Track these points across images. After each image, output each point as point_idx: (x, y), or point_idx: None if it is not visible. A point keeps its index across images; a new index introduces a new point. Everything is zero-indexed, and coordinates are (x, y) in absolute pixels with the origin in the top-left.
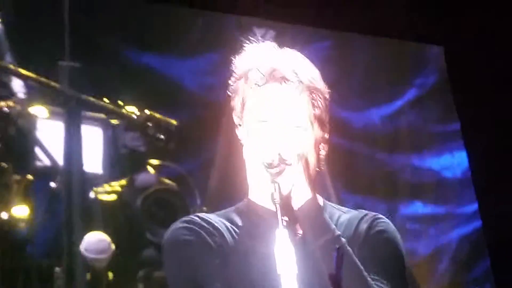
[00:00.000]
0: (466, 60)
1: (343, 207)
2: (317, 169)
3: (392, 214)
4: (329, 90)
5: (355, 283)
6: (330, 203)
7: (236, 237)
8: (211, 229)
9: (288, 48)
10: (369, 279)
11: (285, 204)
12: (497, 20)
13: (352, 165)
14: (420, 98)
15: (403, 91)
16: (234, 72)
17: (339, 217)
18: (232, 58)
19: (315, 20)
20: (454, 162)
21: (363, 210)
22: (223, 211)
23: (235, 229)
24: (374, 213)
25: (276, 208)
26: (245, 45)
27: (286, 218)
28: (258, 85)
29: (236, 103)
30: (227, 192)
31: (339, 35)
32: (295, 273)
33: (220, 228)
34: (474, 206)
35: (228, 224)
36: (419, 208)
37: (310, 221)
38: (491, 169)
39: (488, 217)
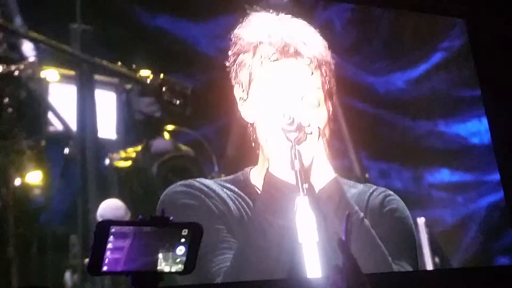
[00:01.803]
0: (488, 32)
1: (349, 181)
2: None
3: (418, 181)
4: (350, 54)
5: (376, 259)
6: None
7: (242, 209)
8: (213, 194)
9: (294, 17)
10: (389, 257)
11: (306, 173)
12: None
13: (376, 131)
14: (446, 62)
15: (428, 54)
16: (240, 45)
17: (348, 190)
18: (236, 28)
19: None
20: (481, 128)
21: (370, 184)
22: (220, 179)
23: (240, 201)
24: (383, 188)
25: (296, 175)
26: (248, 15)
27: (306, 186)
28: (270, 60)
29: (241, 76)
30: (245, 158)
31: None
32: (316, 241)
33: (223, 196)
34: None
35: (230, 194)
36: (446, 175)
37: (334, 203)
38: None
39: (510, 186)
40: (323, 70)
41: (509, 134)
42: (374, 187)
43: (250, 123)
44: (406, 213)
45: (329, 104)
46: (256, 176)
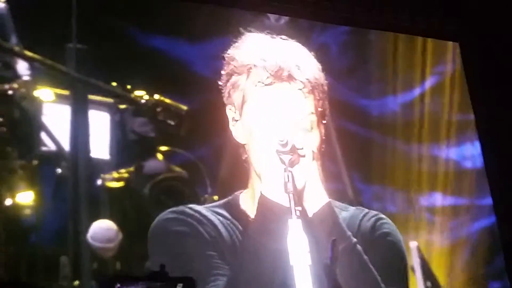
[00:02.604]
0: (481, 55)
1: (341, 204)
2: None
3: (411, 205)
4: (345, 77)
5: (368, 284)
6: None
7: (233, 235)
8: (204, 220)
9: (288, 39)
10: (382, 283)
11: (299, 196)
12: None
13: (369, 154)
14: (439, 85)
15: (422, 78)
16: (233, 66)
17: (339, 213)
18: (230, 48)
19: (326, 17)
20: (474, 152)
21: (362, 208)
22: (210, 205)
23: (232, 226)
24: (375, 212)
25: (289, 197)
26: (242, 35)
27: (299, 208)
28: (263, 84)
29: (234, 98)
30: (239, 180)
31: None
32: (308, 264)
33: (215, 222)
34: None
35: (222, 219)
36: (438, 199)
37: (327, 228)
38: (504, 163)
39: (502, 212)
40: (316, 94)
41: (502, 158)
42: (366, 210)
43: (242, 144)
44: (398, 237)
45: (322, 127)
46: (246, 201)
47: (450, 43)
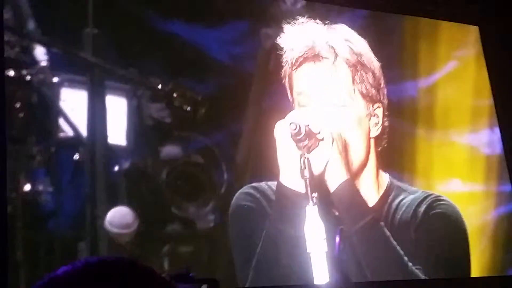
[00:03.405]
0: (502, 40)
1: (411, 187)
2: (365, 147)
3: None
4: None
5: (394, 267)
6: (398, 183)
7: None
8: (271, 197)
9: (333, 24)
10: (409, 263)
11: (317, 181)
12: None
13: (388, 139)
14: (459, 70)
15: (441, 63)
16: (280, 55)
17: (403, 198)
18: (279, 38)
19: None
20: (494, 138)
21: (428, 191)
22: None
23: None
24: (437, 194)
25: (305, 184)
26: (287, 26)
27: (315, 195)
28: (295, 66)
29: (287, 87)
30: (256, 166)
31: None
32: (325, 251)
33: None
34: None
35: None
36: (457, 185)
37: (345, 205)
38: None
39: None
40: (355, 70)
41: None
42: (430, 193)
43: None
44: (455, 216)
45: (362, 104)
46: None
47: (470, 27)
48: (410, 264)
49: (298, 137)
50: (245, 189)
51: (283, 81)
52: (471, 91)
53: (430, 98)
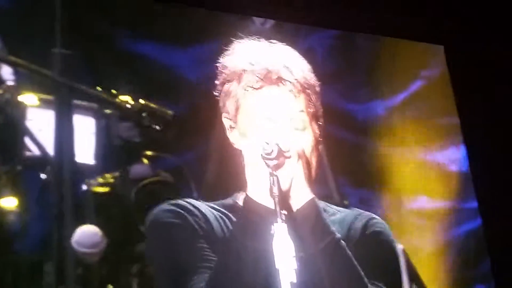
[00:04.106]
0: (467, 59)
1: (337, 207)
2: (316, 170)
3: (397, 208)
4: (331, 81)
5: (353, 283)
6: (324, 202)
7: (225, 229)
8: (197, 213)
9: (277, 42)
10: (368, 284)
11: (284, 198)
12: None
13: (356, 158)
14: (425, 89)
15: (408, 82)
16: (225, 74)
17: (332, 214)
18: (219, 58)
19: (314, 20)
20: (460, 156)
21: (357, 209)
22: (212, 202)
23: (225, 220)
24: (368, 213)
25: (274, 201)
26: (231, 43)
27: (285, 212)
28: (254, 88)
29: (228, 105)
30: (225, 185)
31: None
32: (294, 268)
33: (207, 215)
34: None
35: (216, 213)
36: (424, 202)
37: (310, 224)
38: (489, 167)
39: (488, 215)
40: (306, 94)
41: (487, 161)
42: (360, 211)
43: (240, 150)
44: (391, 237)
45: (315, 127)
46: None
47: (436, 46)
48: (369, 285)
49: (269, 157)
50: (164, 206)
51: (223, 99)
52: (437, 110)
53: (397, 117)
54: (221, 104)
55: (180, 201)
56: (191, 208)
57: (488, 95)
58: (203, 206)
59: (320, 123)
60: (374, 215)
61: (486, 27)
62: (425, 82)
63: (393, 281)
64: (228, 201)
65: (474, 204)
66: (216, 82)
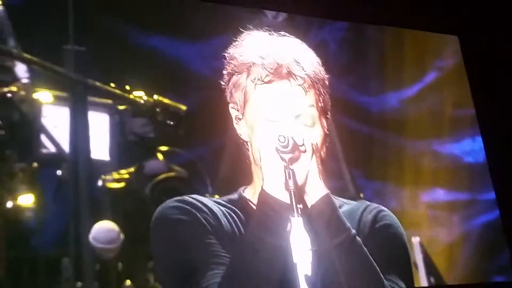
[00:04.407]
0: (482, 49)
1: (343, 199)
2: (327, 164)
3: (413, 201)
4: (344, 74)
5: (369, 279)
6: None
7: (233, 224)
8: (205, 209)
9: (285, 34)
10: (385, 281)
11: (300, 193)
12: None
13: (370, 151)
14: (440, 80)
15: (422, 74)
16: (233, 65)
17: (340, 207)
18: (230, 47)
19: (326, 12)
20: (475, 147)
21: (364, 201)
22: (217, 198)
23: (233, 215)
24: (376, 205)
25: (290, 195)
26: (241, 34)
27: (301, 206)
28: (264, 82)
29: (237, 97)
30: (239, 179)
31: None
32: (310, 261)
33: (215, 211)
34: None
35: (223, 209)
36: (440, 194)
37: (325, 219)
38: (506, 157)
39: (505, 206)
40: (316, 88)
41: (504, 152)
42: (368, 203)
43: (246, 141)
44: (400, 230)
45: (324, 122)
46: (252, 195)
47: (450, 37)
48: (385, 282)
49: (285, 150)
50: (169, 203)
51: (230, 89)
52: (452, 101)
53: (412, 109)
54: (228, 94)
55: (187, 198)
56: (199, 204)
57: (504, 85)
58: (210, 202)
59: (328, 117)
60: (382, 207)
61: (502, 17)
62: (439, 73)
63: (405, 272)
64: (234, 196)
65: (491, 195)
66: (224, 72)
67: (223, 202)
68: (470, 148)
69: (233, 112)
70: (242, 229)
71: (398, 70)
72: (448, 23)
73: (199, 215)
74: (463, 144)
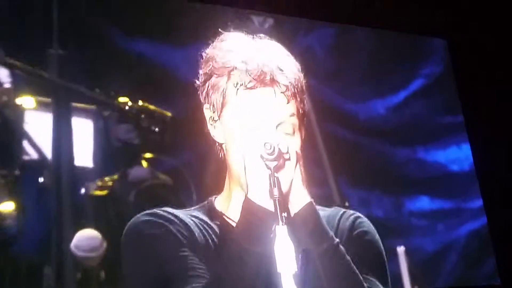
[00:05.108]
0: (469, 53)
1: (318, 206)
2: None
3: (398, 209)
4: (331, 80)
5: (352, 285)
6: None
7: (207, 235)
8: (177, 221)
9: (265, 37)
10: (363, 281)
11: (284, 200)
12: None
13: (356, 158)
14: (426, 88)
15: (408, 81)
16: (213, 66)
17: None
18: (208, 47)
19: (314, 13)
20: (461, 155)
21: (340, 208)
22: (186, 209)
23: (205, 226)
24: (352, 211)
25: (275, 203)
26: (219, 34)
27: (285, 215)
28: (246, 88)
29: (214, 98)
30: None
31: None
32: (294, 271)
33: (188, 223)
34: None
35: (196, 220)
36: (426, 203)
37: (308, 228)
38: (495, 164)
39: (493, 213)
40: (297, 96)
41: (493, 159)
42: (343, 210)
43: (219, 143)
44: (377, 237)
45: (302, 129)
46: (222, 203)
47: (438, 41)
48: (365, 285)
49: (270, 157)
50: (140, 218)
51: (207, 90)
52: (439, 108)
53: (397, 116)
54: (202, 94)
55: (157, 210)
56: (171, 217)
57: (493, 91)
58: (182, 214)
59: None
60: (358, 214)
61: (491, 21)
62: (426, 80)
63: (383, 277)
64: (205, 206)
65: (477, 203)
66: (200, 71)
67: (194, 214)
68: (456, 156)
69: (207, 113)
70: (216, 240)
71: (385, 77)
72: (436, 27)
73: (171, 228)
74: (448, 152)
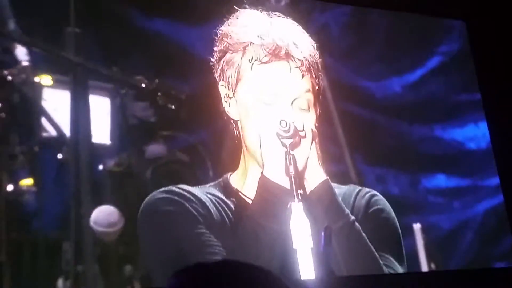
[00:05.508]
0: (488, 33)
1: (334, 184)
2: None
3: (414, 187)
4: (347, 58)
5: (367, 261)
6: None
7: (223, 212)
8: (193, 199)
9: (280, 15)
10: (384, 267)
11: (300, 178)
12: None
13: (372, 136)
14: (443, 66)
15: (425, 59)
16: (228, 43)
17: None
18: (224, 24)
19: None
20: (478, 133)
21: (354, 185)
22: (201, 186)
23: (221, 203)
24: (368, 189)
25: (290, 180)
26: (235, 12)
27: (301, 192)
28: (261, 62)
29: (229, 74)
30: (238, 162)
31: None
32: (310, 247)
33: (204, 200)
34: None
35: (212, 197)
36: (442, 180)
37: (324, 205)
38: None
39: (510, 191)
40: (312, 72)
41: (510, 138)
42: (359, 187)
43: (234, 120)
44: (392, 214)
45: (318, 105)
46: (237, 180)
47: (456, 22)
48: (382, 263)
49: (286, 135)
50: (156, 195)
51: (222, 66)
52: (456, 86)
53: (414, 94)
54: (217, 71)
55: (174, 188)
56: (186, 194)
57: (511, 70)
58: (198, 191)
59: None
60: (374, 192)
61: (509, 1)
62: (443, 58)
63: (398, 253)
64: (221, 183)
65: (494, 181)
66: (215, 49)
67: (210, 191)
68: (473, 134)
69: (222, 90)
70: (232, 217)
71: (401, 55)
72: (454, 8)
73: (187, 205)
74: (465, 130)
